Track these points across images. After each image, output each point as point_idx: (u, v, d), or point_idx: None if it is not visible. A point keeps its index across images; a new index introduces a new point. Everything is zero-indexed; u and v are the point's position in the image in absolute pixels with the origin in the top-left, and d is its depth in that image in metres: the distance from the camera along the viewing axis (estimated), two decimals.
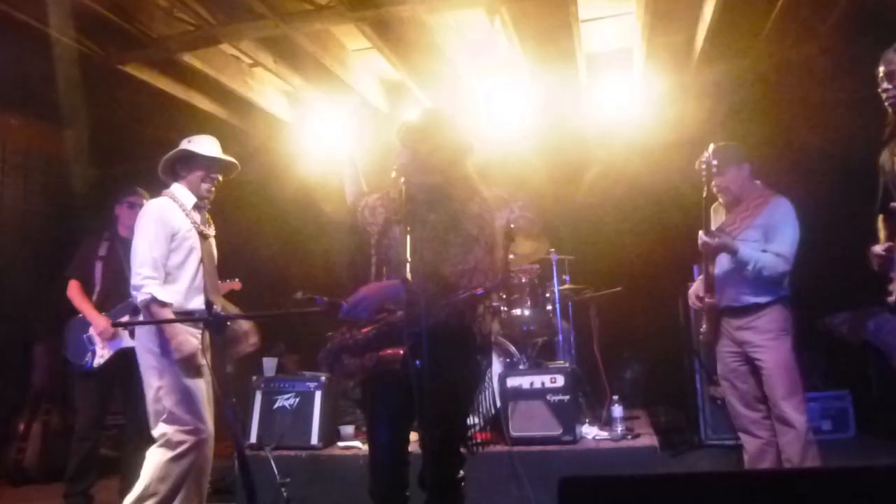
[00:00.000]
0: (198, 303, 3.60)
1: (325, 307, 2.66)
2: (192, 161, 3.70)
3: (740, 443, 3.90)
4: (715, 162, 3.62)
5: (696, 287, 3.98)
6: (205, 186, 3.71)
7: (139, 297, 3.45)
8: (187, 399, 3.47)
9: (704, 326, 3.97)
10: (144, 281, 3.45)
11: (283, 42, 5.07)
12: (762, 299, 3.69)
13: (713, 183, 3.76)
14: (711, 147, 3.65)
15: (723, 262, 3.78)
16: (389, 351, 2.60)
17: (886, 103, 3.00)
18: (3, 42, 4.42)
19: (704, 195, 3.69)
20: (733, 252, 3.64)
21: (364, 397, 2.91)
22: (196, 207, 3.70)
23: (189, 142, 3.72)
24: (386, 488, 2.78)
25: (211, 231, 3.78)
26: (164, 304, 3.45)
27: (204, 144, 3.73)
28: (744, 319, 3.73)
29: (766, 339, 3.66)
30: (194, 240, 3.63)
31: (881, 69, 3.00)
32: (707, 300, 3.81)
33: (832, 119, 5.42)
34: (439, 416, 2.53)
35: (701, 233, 3.70)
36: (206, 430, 3.52)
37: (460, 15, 4.80)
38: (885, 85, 2.96)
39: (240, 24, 4.63)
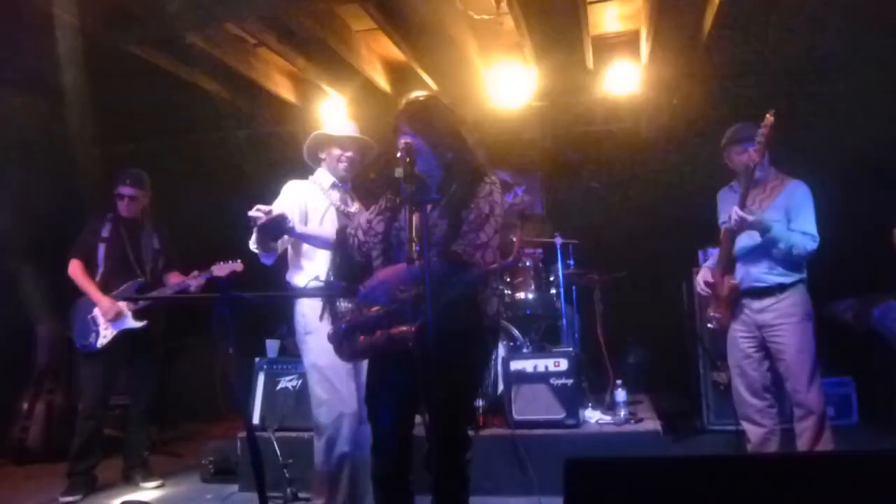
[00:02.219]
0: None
1: (343, 290, 2.70)
2: (326, 142, 3.70)
3: (743, 429, 3.88)
4: (760, 142, 3.47)
5: (705, 273, 3.89)
6: (340, 166, 3.68)
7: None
8: None
9: (715, 311, 3.87)
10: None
11: (287, 22, 5.03)
12: (787, 279, 3.63)
13: (737, 159, 3.70)
14: (773, 111, 3.48)
15: (744, 242, 3.69)
16: (400, 328, 2.60)
17: None
18: (5, 21, 4.40)
19: (754, 165, 3.51)
20: (767, 229, 3.54)
21: (368, 379, 2.90)
22: (334, 187, 3.68)
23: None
24: (390, 472, 2.78)
25: (353, 208, 3.70)
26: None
27: (335, 123, 3.70)
28: (766, 301, 3.66)
29: (791, 322, 3.60)
30: (332, 218, 3.59)
31: None
32: (728, 281, 3.72)
33: (840, 108, 5.39)
34: (447, 397, 2.53)
35: (736, 208, 3.56)
36: None
37: None
38: None
39: (244, 3, 4.60)
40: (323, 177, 3.71)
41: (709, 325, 3.99)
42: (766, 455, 3.38)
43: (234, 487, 4.54)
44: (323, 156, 3.74)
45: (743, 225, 3.56)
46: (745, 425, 3.79)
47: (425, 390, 2.46)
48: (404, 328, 2.56)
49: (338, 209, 3.62)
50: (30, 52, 4.85)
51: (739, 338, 3.76)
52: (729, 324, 3.79)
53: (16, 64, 5.02)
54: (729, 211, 3.67)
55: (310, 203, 3.62)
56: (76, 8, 4.44)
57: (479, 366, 2.87)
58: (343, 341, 2.78)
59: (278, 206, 3.38)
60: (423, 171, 2.73)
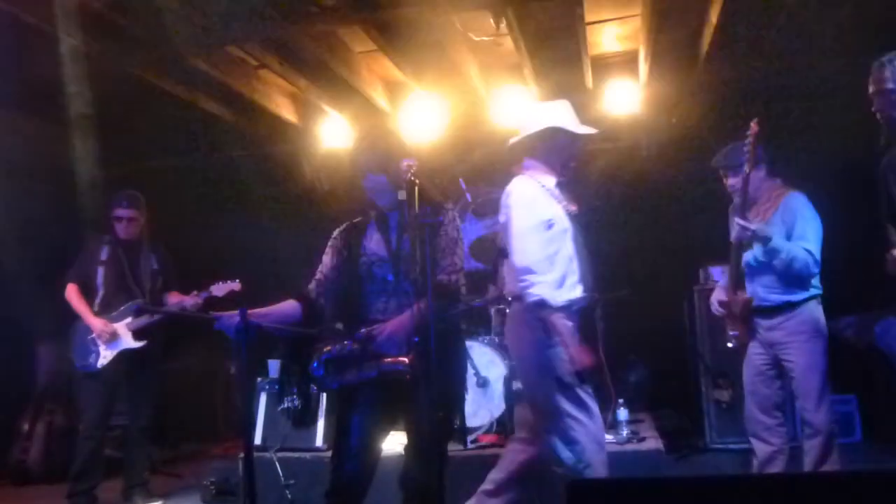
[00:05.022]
0: (577, 292, 3.10)
1: (361, 340, 2.74)
2: (555, 136, 3.16)
3: (745, 447, 3.85)
4: (748, 151, 3.48)
5: (718, 293, 3.84)
6: (568, 162, 3.22)
7: (527, 299, 2.98)
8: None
9: (732, 329, 3.79)
10: (529, 280, 2.96)
11: (289, 44, 5.07)
12: (794, 297, 3.59)
13: (728, 182, 3.70)
14: (757, 120, 3.50)
15: (750, 259, 3.66)
16: (390, 359, 2.63)
17: (878, 116, 3.01)
18: (7, 43, 4.43)
19: (745, 175, 3.51)
20: (767, 239, 3.50)
21: (341, 401, 2.91)
22: (558, 185, 3.21)
23: (546, 112, 3.22)
24: (351, 494, 2.80)
25: (573, 208, 3.24)
26: (556, 310, 2.96)
27: (566, 115, 3.21)
28: (775, 319, 3.62)
29: (798, 340, 3.57)
30: (565, 221, 3.13)
31: (871, 87, 3.00)
32: (741, 297, 3.65)
33: (838, 123, 5.41)
34: (442, 420, 2.61)
35: (737, 218, 3.53)
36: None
37: (466, 16, 4.80)
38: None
39: (246, 25, 4.63)
40: (545, 174, 3.19)
41: (729, 345, 3.89)
42: (769, 475, 3.35)
43: None
44: (542, 148, 3.18)
45: (744, 235, 3.54)
46: (754, 442, 3.75)
47: (419, 415, 2.51)
48: (403, 359, 2.59)
49: (567, 210, 3.17)
50: (33, 75, 4.89)
51: (753, 355, 3.72)
52: (748, 340, 3.73)
53: (19, 86, 5.06)
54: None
55: (555, 213, 3.11)
56: (80, 31, 4.48)
57: (464, 384, 3.01)
58: (325, 377, 2.77)
59: (530, 223, 3.02)
60: (386, 202, 2.85)
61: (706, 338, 5.17)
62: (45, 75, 4.69)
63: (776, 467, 3.63)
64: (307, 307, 2.91)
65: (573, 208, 3.20)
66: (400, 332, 2.67)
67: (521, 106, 5.52)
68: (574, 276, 3.10)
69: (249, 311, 2.75)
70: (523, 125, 3.23)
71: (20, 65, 4.74)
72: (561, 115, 3.18)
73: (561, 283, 3.04)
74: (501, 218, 3.17)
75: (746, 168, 3.51)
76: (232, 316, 2.69)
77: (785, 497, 1.61)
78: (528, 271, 2.95)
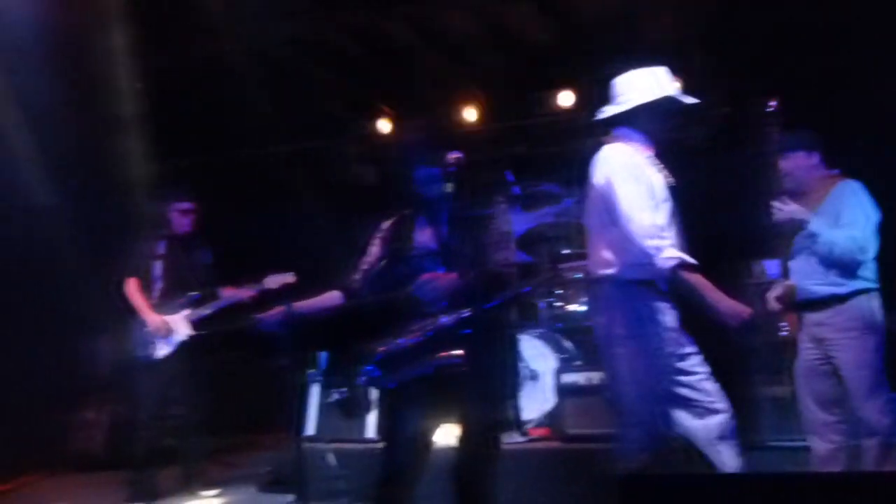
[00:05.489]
0: None
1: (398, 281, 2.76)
2: (664, 106, 3.01)
3: (802, 444, 3.74)
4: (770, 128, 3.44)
5: (777, 288, 3.69)
6: (667, 131, 3.08)
7: (662, 264, 2.78)
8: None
9: (783, 320, 3.69)
10: (657, 244, 2.79)
11: (333, 38, 5.10)
12: (841, 290, 3.43)
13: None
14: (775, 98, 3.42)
15: (797, 251, 3.55)
16: (445, 353, 2.64)
17: None
18: (62, 42, 4.54)
19: (775, 153, 3.47)
20: (804, 223, 3.40)
21: (394, 395, 2.91)
22: (655, 154, 3.07)
23: (655, 79, 3.01)
24: (406, 488, 2.81)
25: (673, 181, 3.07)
26: (693, 266, 2.81)
27: (673, 84, 3.04)
28: (823, 314, 3.48)
29: (847, 337, 3.41)
30: (665, 193, 2.98)
31: None
32: (785, 285, 3.52)
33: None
34: (492, 411, 2.64)
35: (774, 202, 3.42)
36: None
37: (508, 10, 4.77)
38: None
39: (291, 21, 4.68)
40: (644, 143, 3.05)
41: (781, 335, 3.81)
42: (825, 473, 3.25)
43: (291, 497, 4.58)
44: (644, 116, 3.02)
45: (781, 217, 3.44)
46: (812, 439, 3.63)
47: (470, 407, 2.53)
48: (447, 354, 2.60)
49: (666, 181, 3.02)
50: (86, 75, 5.00)
51: (805, 348, 3.61)
52: (797, 332, 3.61)
53: (74, 85, 5.19)
54: None
55: (658, 183, 2.97)
56: (125, 32, 4.58)
57: (515, 375, 2.99)
58: (383, 373, 2.80)
59: (640, 187, 2.85)
60: (436, 195, 2.84)
61: (761, 332, 5.06)
62: (99, 75, 4.80)
63: (836, 466, 3.50)
64: (350, 298, 2.95)
65: (672, 181, 3.02)
66: (440, 282, 2.64)
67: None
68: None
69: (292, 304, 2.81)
70: (625, 92, 3.03)
71: (74, 64, 4.85)
72: (670, 83, 3.00)
73: None
74: (600, 182, 2.96)
75: (771, 144, 3.46)
76: (275, 314, 2.76)
77: (844, 495, 1.58)
78: (656, 235, 2.79)
